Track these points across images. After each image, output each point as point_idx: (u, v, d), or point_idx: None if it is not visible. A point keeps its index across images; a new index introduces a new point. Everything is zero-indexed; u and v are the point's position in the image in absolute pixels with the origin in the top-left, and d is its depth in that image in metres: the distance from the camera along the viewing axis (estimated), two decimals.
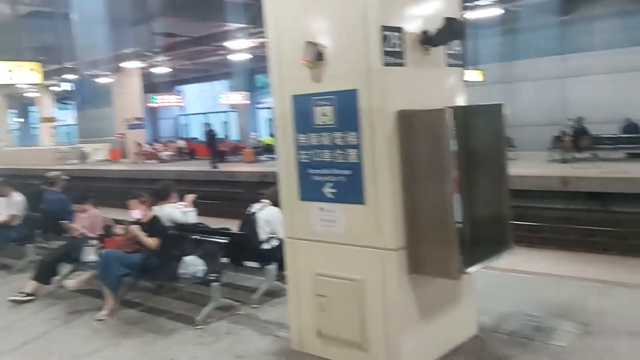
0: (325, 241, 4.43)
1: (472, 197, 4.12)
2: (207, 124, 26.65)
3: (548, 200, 13.15)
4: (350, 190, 4.16)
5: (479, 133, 4.31)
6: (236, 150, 26.81)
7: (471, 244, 4.03)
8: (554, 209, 13.24)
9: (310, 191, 4.46)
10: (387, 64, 3.89)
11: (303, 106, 4.37)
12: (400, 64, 3.98)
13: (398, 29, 3.95)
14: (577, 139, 16.74)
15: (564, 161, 16.34)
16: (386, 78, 3.90)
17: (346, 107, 4.08)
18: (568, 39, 20.84)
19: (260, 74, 34.01)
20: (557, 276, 6.68)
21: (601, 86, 20.42)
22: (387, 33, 3.87)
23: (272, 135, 28.27)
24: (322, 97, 4.22)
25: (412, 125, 3.91)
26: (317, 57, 4.15)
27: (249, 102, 32.69)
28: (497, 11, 18.22)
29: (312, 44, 4.15)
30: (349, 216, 4.23)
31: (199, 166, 23.64)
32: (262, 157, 25.42)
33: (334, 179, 4.26)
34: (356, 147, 4.08)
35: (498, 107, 4.36)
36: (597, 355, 4.34)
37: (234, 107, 35.45)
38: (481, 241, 4.23)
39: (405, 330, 4.18)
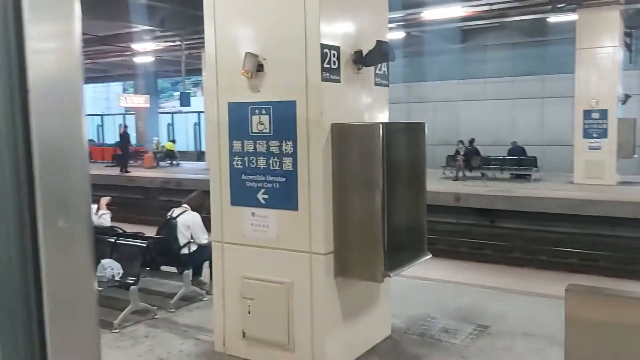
0: (255, 245, 4.59)
1: (395, 206, 4.46)
2: (123, 125, 25.54)
3: (442, 214, 14.03)
4: (284, 196, 4.36)
5: (402, 148, 4.67)
6: (135, 155, 25.97)
7: (393, 250, 4.36)
8: (448, 223, 14.17)
9: (242, 196, 4.60)
10: (324, 79, 4.15)
11: (239, 114, 4.51)
12: (337, 80, 4.26)
13: (336, 48, 4.23)
14: (469, 159, 17.99)
15: (456, 179, 17.50)
16: (323, 92, 4.15)
17: (283, 117, 4.29)
18: (463, 66, 22.41)
19: (163, 78, 33.24)
20: (457, 283, 7.25)
21: (491, 111, 22.14)
22: (326, 51, 4.13)
23: (173, 141, 27.70)
24: (259, 106, 4.40)
25: (345, 138, 4.19)
26: (256, 68, 4.32)
27: (148, 105, 31.80)
28: (400, 34, 19.22)
29: (253, 55, 4.32)
30: (281, 221, 4.42)
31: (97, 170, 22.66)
32: (163, 163, 24.83)
33: (268, 185, 4.43)
34: (292, 155, 4.29)
35: (420, 125, 4.76)
36: (498, 353, 4.82)
37: (131, 110, 34.28)
38: (401, 248, 4.58)
39: (330, 331, 4.42)
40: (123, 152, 23.07)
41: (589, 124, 15.78)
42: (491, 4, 16.37)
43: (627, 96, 16.20)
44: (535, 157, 17.81)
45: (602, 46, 15.54)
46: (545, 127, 21.10)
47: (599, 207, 12.67)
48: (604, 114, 15.54)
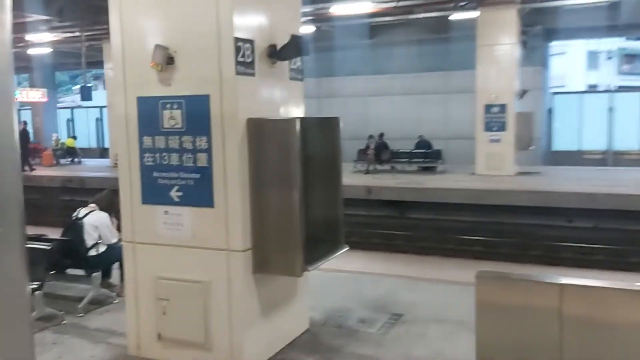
0: (169, 244, 4.45)
1: (312, 201, 4.47)
2: (23, 122, 23.85)
3: (355, 207, 14.29)
4: (199, 193, 4.25)
5: (318, 142, 4.69)
6: (34, 152, 24.43)
7: (311, 244, 4.37)
8: (360, 215, 14.46)
9: (154, 194, 4.44)
10: (238, 73, 4.08)
11: (149, 108, 4.35)
12: (251, 74, 4.20)
13: (250, 41, 4.17)
14: (379, 153, 18.45)
15: (367, 172, 17.90)
16: (238, 86, 4.08)
17: (196, 111, 4.18)
18: (371, 61, 22.89)
19: (61, 71, 31.47)
20: (372, 274, 7.42)
21: (398, 106, 22.80)
22: (239, 44, 4.06)
23: (74, 137, 26.33)
24: (171, 101, 4.26)
25: (262, 133, 4.15)
26: (167, 60, 4.17)
27: (46, 99, 30.02)
28: (310, 29, 19.34)
29: (162, 48, 4.18)
30: (197, 219, 4.31)
31: None
32: (64, 161, 23.56)
33: (181, 182, 4.31)
34: (206, 151, 4.19)
35: (335, 119, 4.81)
36: (412, 340, 4.98)
37: (26, 106, 32.19)
38: (319, 241, 4.61)
39: (249, 328, 4.38)
40: (22, 150, 21.59)
41: (489, 117, 16.65)
42: (397, 1, 16.84)
43: (524, 91, 17.23)
44: (440, 150, 18.56)
45: (500, 43, 16.42)
46: (449, 121, 22.01)
47: (499, 196, 13.41)
48: (502, 108, 16.45)
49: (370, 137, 18.87)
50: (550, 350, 3.50)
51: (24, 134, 21.89)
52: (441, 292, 6.35)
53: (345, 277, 7.02)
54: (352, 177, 16.52)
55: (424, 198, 14.26)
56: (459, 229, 13.11)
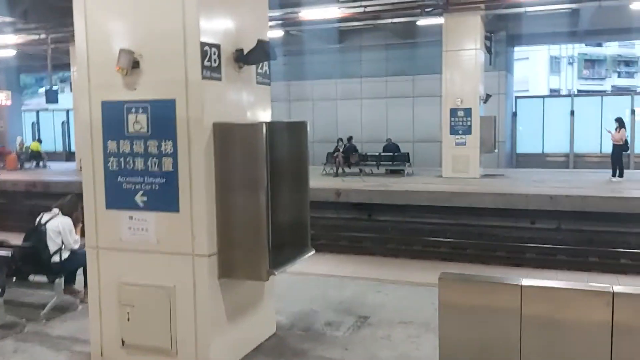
0: (134, 250, 4.41)
1: (278, 205, 4.49)
2: None
3: (323, 210, 14.36)
4: (164, 198, 4.23)
5: (284, 146, 4.71)
6: None
7: (277, 248, 4.39)
8: (329, 218, 14.53)
9: (118, 199, 4.40)
10: (205, 78, 4.08)
11: (114, 113, 4.31)
12: (218, 78, 4.21)
13: (216, 46, 4.18)
14: (348, 156, 18.55)
15: (336, 175, 17.98)
16: (204, 91, 4.08)
17: (162, 116, 4.16)
18: (340, 65, 23.02)
19: (26, 73, 30.77)
20: (338, 276, 7.46)
21: (367, 109, 22.99)
22: (206, 48, 4.06)
23: (39, 141, 25.77)
24: (136, 105, 4.23)
25: (228, 137, 4.16)
26: (132, 65, 4.15)
27: (10, 102, 29.30)
28: (279, 33, 19.36)
29: (128, 52, 4.15)
30: (162, 224, 4.29)
31: None
32: (28, 165, 23.03)
33: (146, 187, 4.28)
34: (171, 155, 4.17)
35: (302, 124, 4.84)
36: (378, 342, 5.03)
37: None
38: (285, 245, 4.63)
39: (215, 333, 4.36)
40: None
41: (455, 121, 16.92)
42: (365, 7, 16.99)
43: (488, 95, 17.57)
44: (407, 153, 18.76)
45: (465, 49, 16.72)
46: (416, 125, 22.29)
47: (465, 198, 13.64)
48: (468, 112, 16.74)
49: (340, 140, 18.98)
50: (511, 350, 3.59)
51: None
52: (407, 294, 6.43)
53: (313, 280, 7.05)
54: (321, 180, 16.58)
55: (391, 200, 14.40)
56: (426, 230, 13.27)
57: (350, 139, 19.22)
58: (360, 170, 18.59)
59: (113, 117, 4.32)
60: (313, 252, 4.95)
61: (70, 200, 6.18)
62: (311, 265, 7.30)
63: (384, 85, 22.66)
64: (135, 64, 4.16)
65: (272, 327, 5.23)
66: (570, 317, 3.48)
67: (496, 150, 18.21)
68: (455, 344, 3.74)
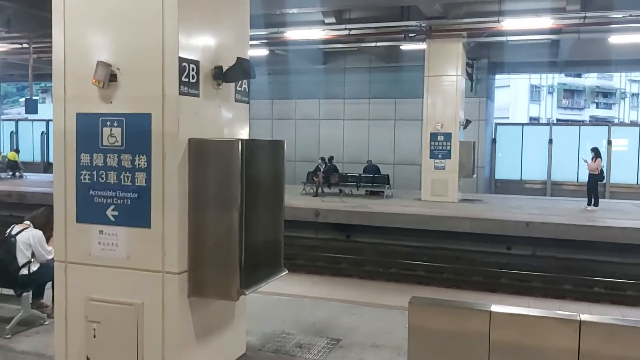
0: (102, 265, 4.34)
1: (252, 223, 4.46)
2: None
3: (301, 230, 14.32)
4: (136, 213, 4.18)
5: (260, 165, 4.70)
6: None
7: (249, 267, 4.36)
8: (307, 237, 14.49)
9: (89, 213, 4.34)
10: (182, 93, 4.06)
11: (89, 125, 4.27)
12: (195, 95, 4.20)
13: (195, 62, 4.17)
14: (328, 176, 18.58)
15: (316, 195, 17.98)
16: (181, 106, 4.06)
17: (137, 130, 4.13)
18: (324, 86, 23.18)
19: (7, 82, 30.46)
20: (313, 298, 7.42)
21: (348, 130, 23.13)
22: (184, 64, 4.06)
23: (17, 150, 25.44)
24: (111, 118, 4.20)
25: (203, 154, 4.13)
26: (109, 78, 4.12)
27: None
28: (263, 52, 19.45)
29: (105, 64, 4.13)
30: (132, 240, 4.23)
31: None
32: (4, 175, 22.68)
33: (118, 201, 4.22)
34: (145, 170, 4.13)
35: (279, 142, 4.84)
36: None
37: None
38: (258, 265, 4.60)
39: (183, 352, 4.29)
40: None
41: (434, 145, 17.08)
42: (349, 30, 17.19)
43: (468, 121, 17.79)
44: (387, 175, 18.86)
45: (447, 74, 16.95)
46: (397, 147, 22.46)
47: (442, 222, 13.71)
48: (448, 136, 16.92)
49: (321, 159, 19.02)
50: None
51: None
52: (380, 317, 6.40)
53: (286, 300, 6.99)
54: (301, 199, 16.57)
55: (370, 222, 14.42)
56: (403, 253, 13.29)
57: (331, 159, 19.28)
58: (340, 190, 18.61)
59: (88, 130, 4.28)
60: (286, 272, 4.92)
61: (42, 213, 6.08)
62: (286, 286, 7.27)
63: (366, 107, 22.85)
64: (113, 77, 4.14)
65: (242, 347, 5.17)
66: (537, 344, 3.49)
67: (475, 176, 18.39)
68: None
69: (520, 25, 16.06)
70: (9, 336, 5.40)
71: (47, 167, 27.89)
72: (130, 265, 4.25)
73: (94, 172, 4.27)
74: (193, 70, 4.16)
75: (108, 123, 4.21)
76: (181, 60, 4.04)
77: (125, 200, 4.20)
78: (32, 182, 21.26)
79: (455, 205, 16.17)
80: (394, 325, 6.00)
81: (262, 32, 16.90)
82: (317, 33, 17.52)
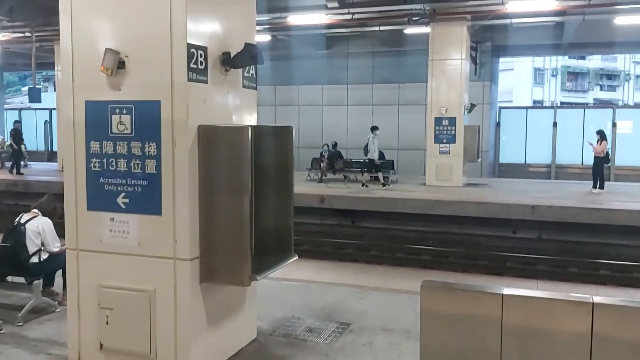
0: (114, 252, 4.36)
1: (262, 209, 4.47)
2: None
3: (307, 216, 14.33)
4: (147, 200, 4.19)
5: (270, 151, 4.70)
6: None
7: (260, 253, 4.37)
8: (312, 224, 14.51)
9: (100, 201, 4.35)
10: (190, 80, 4.05)
11: (98, 113, 4.27)
12: (204, 81, 4.18)
13: (203, 48, 4.15)
14: (332, 162, 18.55)
15: (321, 181, 17.97)
16: (190, 93, 4.05)
17: (146, 117, 4.12)
18: (327, 71, 23.05)
19: (10, 71, 30.38)
20: (322, 283, 7.45)
21: (352, 116, 23.03)
22: (192, 51, 4.04)
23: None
24: (120, 106, 4.19)
25: (213, 140, 4.13)
26: (117, 65, 4.11)
27: None
28: (266, 37, 19.35)
29: (113, 52, 4.11)
30: (144, 227, 4.24)
31: None
32: (9, 163, 22.66)
33: (129, 188, 4.23)
34: (155, 157, 4.13)
35: (288, 128, 4.83)
36: (359, 350, 5.02)
37: None
38: (268, 250, 4.61)
39: (195, 337, 4.32)
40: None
41: (439, 130, 17.02)
42: (352, 14, 17.05)
43: (473, 105, 17.70)
44: (392, 160, 18.80)
45: (451, 58, 16.84)
46: (401, 132, 22.37)
47: (448, 207, 13.70)
48: (452, 121, 16.85)
49: (325, 145, 18.96)
50: (491, 358, 3.60)
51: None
52: (389, 301, 6.43)
53: (295, 286, 7.03)
54: (306, 186, 16.56)
55: (375, 207, 14.41)
56: (409, 238, 13.29)
57: (335, 145, 19.21)
58: (345, 176, 18.58)
59: (97, 118, 4.28)
60: (296, 257, 4.94)
61: (47, 200, 6.10)
62: (294, 271, 7.30)
63: (369, 92, 22.72)
64: (121, 65, 4.12)
65: (253, 332, 5.20)
66: (550, 327, 3.50)
67: (479, 160, 18.33)
68: (436, 352, 3.74)
69: (525, 8, 15.90)
70: (20, 324, 5.44)
71: (50, 156, 27.90)
72: (141, 252, 4.27)
73: (104, 160, 4.27)
74: (201, 56, 4.15)
75: (117, 110, 4.20)
76: (189, 46, 4.02)
77: (136, 187, 4.21)
78: (37, 171, 21.28)
79: (460, 189, 16.15)
80: (403, 309, 6.03)
81: (264, 17, 16.79)
82: (320, 17, 17.38)
